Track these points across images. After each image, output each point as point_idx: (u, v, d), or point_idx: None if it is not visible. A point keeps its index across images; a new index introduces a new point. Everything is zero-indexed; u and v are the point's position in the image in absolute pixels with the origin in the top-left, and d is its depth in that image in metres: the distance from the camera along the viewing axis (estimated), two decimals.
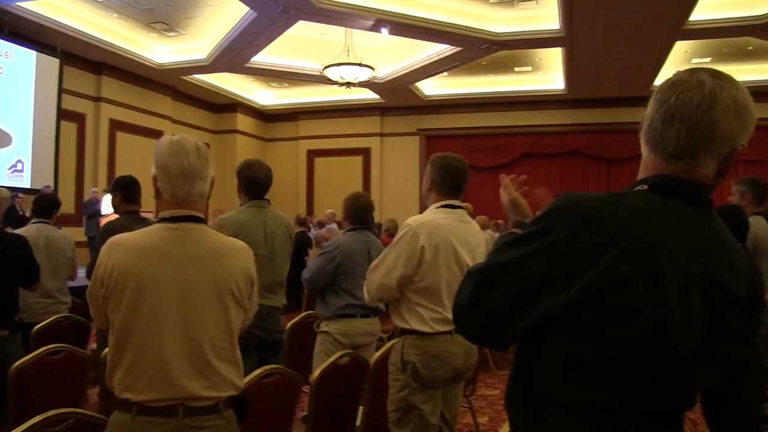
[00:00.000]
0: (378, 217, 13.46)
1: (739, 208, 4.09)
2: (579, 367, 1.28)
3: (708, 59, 12.85)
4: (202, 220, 2.05)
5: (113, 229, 3.80)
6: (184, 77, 13.63)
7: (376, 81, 12.77)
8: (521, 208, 1.63)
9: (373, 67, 11.46)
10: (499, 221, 11.98)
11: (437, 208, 3.08)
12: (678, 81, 1.34)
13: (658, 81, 13.19)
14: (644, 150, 1.38)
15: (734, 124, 1.30)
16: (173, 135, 2.11)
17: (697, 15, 9.90)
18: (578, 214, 1.26)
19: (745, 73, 13.40)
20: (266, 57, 12.33)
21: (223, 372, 1.99)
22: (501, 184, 1.72)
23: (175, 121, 14.54)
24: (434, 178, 3.10)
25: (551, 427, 1.32)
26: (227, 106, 15.94)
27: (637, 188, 1.33)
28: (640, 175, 1.37)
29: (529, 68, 13.45)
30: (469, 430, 4.94)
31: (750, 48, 11.96)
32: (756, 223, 4.87)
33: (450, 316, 1.94)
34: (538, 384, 1.33)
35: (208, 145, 14.26)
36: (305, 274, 4.36)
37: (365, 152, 16.38)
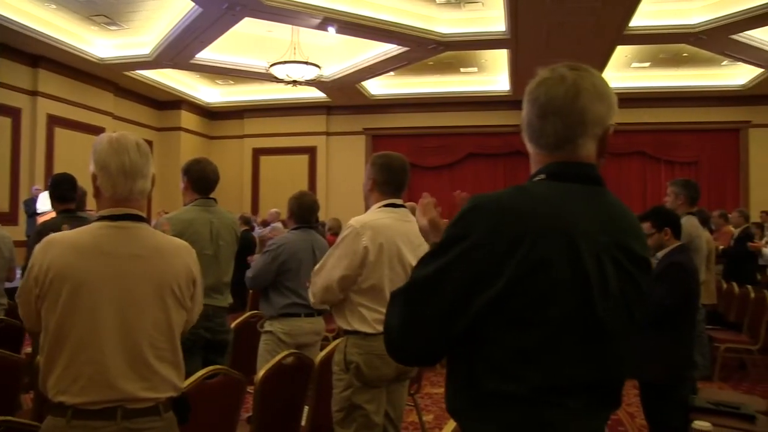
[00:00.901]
0: (323, 216, 13.40)
1: (669, 210, 4.22)
2: (521, 356, 1.33)
3: (647, 64, 13.20)
4: (143, 219, 2.01)
5: (47, 228, 3.71)
6: (126, 73, 13.29)
7: (322, 80, 12.73)
8: (441, 230, 1.61)
9: (320, 65, 11.42)
10: (444, 220, 12.06)
11: (380, 207, 3.07)
12: (543, 79, 1.47)
13: None
14: (530, 147, 1.50)
15: (601, 107, 1.43)
16: (113, 132, 2.06)
17: (637, 21, 10.16)
18: (491, 212, 1.33)
19: (679, 78, 13.85)
20: (212, 54, 12.15)
21: (163, 373, 1.95)
22: (419, 205, 1.68)
23: (116, 118, 14.18)
24: (375, 178, 3.09)
25: (504, 423, 1.35)
26: (171, 103, 15.67)
27: (536, 179, 1.42)
28: (534, 170, 1.47)
29: (475, 69, 13.59)
30: (414, 429, 4.96)
31: (685, 54, 12.33)
32: (689, 222, 5.03)
33: None
34: (486, 383, 1.35)
35: (150, 142, 14.09)
36: (248, 272, 4.32)
37: (311, 151, 16.31)
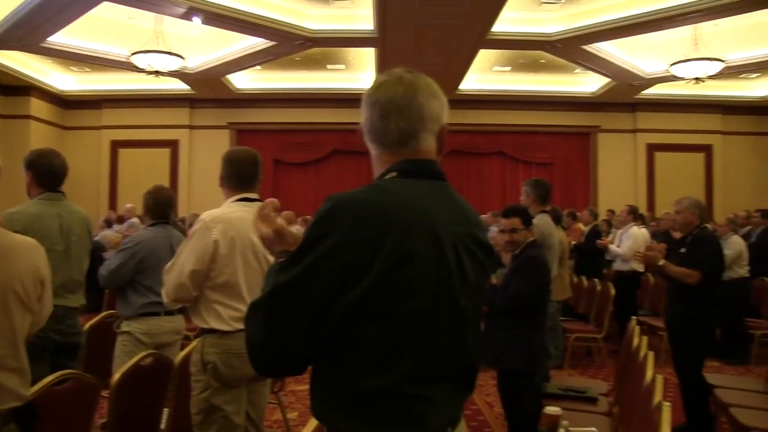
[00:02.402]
0: (186, 212, 13.04)
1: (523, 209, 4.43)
2: (390, 350, 1.36)
3: (508, 68, 13.75)
4: None
5: None
6: None
7: (186, 71, 12.33)
8: (287, 237, 1.60)
9: (184, 56, 11.05)
10: (308, 216, 12.00)
11: (233, 201, 3.03)
12: (381, 82, 1.54)
13: (464, 85, 13.98)
14: (374, 149, 1.56)
15: (436, 104, 1.53)
16: None
17: (499, 27, 10.56)
18: (353, 209, 1.35)
19: (537, 83, 14.55)
20: (66, 38, 11.37)
21: (5, 382, 1.82)
22: (259, 215, 1.62)
23: None
24: (223, 173, 3.07)
25: (374, 420, 1.36)
26: (19, 88, 14.50)
27: (388, 177, 1.47)
28: (380, 170, 1.53)
29: (343, 66, 13.63)
30: (279, 427, 4.91)
31: (542, 61, 12.94)
32: (543, 221, 5.29)
33: None
34: (355, 381, 1.36)
35: None
36: (102, 270, 4.11)
37: (173, 144, 15.73)
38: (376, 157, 1.56)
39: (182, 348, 3.63)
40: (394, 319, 1.34)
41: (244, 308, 2.88)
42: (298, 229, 1.68)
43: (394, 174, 1.48)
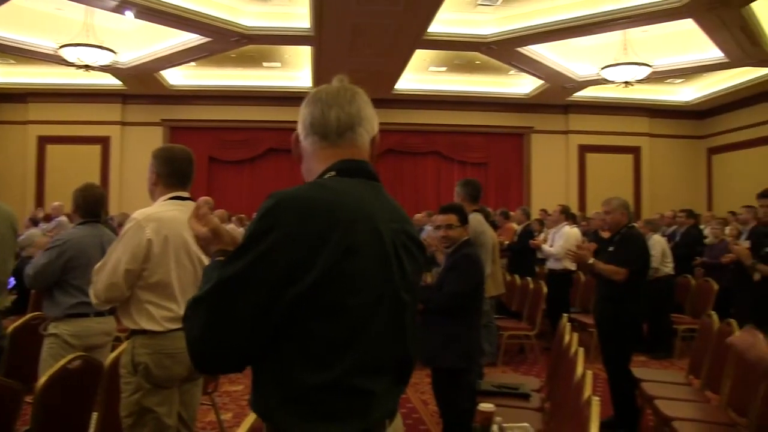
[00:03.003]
0: (117, 210, 12.73)
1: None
2: (334, 343, 1.38)
3: (443, 68, 13.88)
4: None
5: None
6: None
7: (118, 66, 11.99)
8: (224, 237, 1.60)
9: (116, 50, 10.74)
10: (242, 215, 11.88)
11: (165, 200, 2.98)
12: (324, 86, 1.65)
13: (400, 84, 14.05)
14: (310, 143, 1.62)
15: (370, 111, 1.64)
16: None
17: (435, 28, 10.65)
18: (299, 205, 1.37)
19: (472, 83, 14.74)
20: None
21: None
22: (196, 214, 1.63)
23: None
24: (159, 171, 3.01)
25: (318, 414, 1.37)
26: None
27: (328, 176, 1.52)
28: (318, 167, 1.58)
29: (278, 64, 13.52)
30: (213, 428, 4.85)
31: (478, 62, 13.11)
32: (475, 219, 5.37)
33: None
34: (300, 376, 1.37)
35: None
36: (29, 270, 3.98)
37: (104, 141, 15.30)
38: (313, 153, 1.61)
39: (113, 350, 3.54)
40: (339, 312, 1.37)
41: (176, 308, 2.84)
42: (232, 228, 1.66)
43: (332, 173, 1.52)
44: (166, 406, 2.85)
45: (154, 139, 14.72)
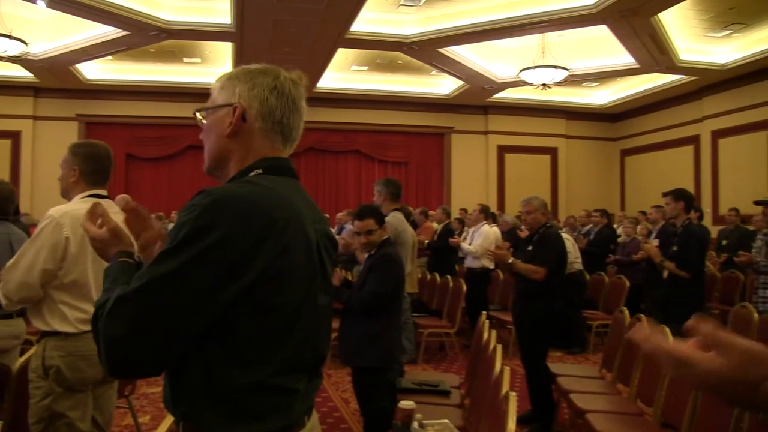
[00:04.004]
0: (29, 208, 12.24)
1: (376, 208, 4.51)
2: (263, 342, 1.37)
3: (365, 67, 13.94)
4: None
5: None
6: None
7: (29, 57, 11.49)
8: (124, 238, 1.55)
9: (27, 41, 10.29)
10: (161, 213, 11.63)
11: (83, 198, 2.90)
12: (286, 77, 1.58)
13: (321, 83, 14.01)
14: (260, 127, 1.53)
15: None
16: None
17: (358, 27, 10.68)
18: (236, 204, 1.35)
19: (394, 83, 14.86)
20: None
21: None
22: (91, 214, 1.58)
23: None
24: (82, 168, 2.92)
25: (243, 414, 1.36)
26: None
27: (254, 173, 1.49)
28: (249, 155, 1.52)
29: (199, 60, 13.29)
30: (130, 431, 4.74)
31: (399, 62, 13.25)
32: (395, 218, 5.42)
33: None
34: (226, 376, 1.34)
35: None
36: None
37: (15, 136, 14.64)
38: (247, 133, 1.53)
39: (22, 353, 3.41)
40: (269, 313, 1.36)
41: (91, 309, 2.75)
42: (161, 226, 1.63)
43: (259, 171, 1.49)
44: (80, 410, 2.77)
45: (69, 134, 14.19)
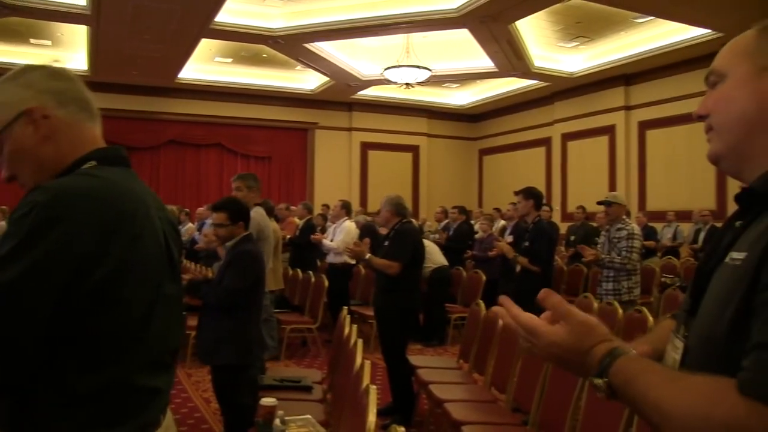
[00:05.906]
0: None
1: (242, 203, 4.44)
2: (120, 339, 1.31)
3: (229, 60, 13.66)
4: None
5: None
6: None
7: None
8: None
9: None
10: (4, 207, 10.80)
11: None
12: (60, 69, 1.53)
13: (183, 73, 13.55)
14: (71, 114, 1.44)
15: None
16: None
17: (222, 17, 10.45)
18: (81, 198, 1.28)
19: (259, 76, 14.67)
20: None
21: None
22: None
23: None
24: None
25: (99, 420, 1.29)
26: None
27: (88, 165, 1.41)
28: (76, 148, 1.43)
29: (49, 42, 12.48)
30: None
31: (264, 55, 13.09)
32: (258, 213, 5.37)
33: None
34: (84, 381, 1.26)
35: None
36: None
37: None
38: (74, 125, 1.44)
39: None
40: (123, 305, 1.30)
41: None
42: None
43: (93, 163, 1.41)
44: None
45: None
